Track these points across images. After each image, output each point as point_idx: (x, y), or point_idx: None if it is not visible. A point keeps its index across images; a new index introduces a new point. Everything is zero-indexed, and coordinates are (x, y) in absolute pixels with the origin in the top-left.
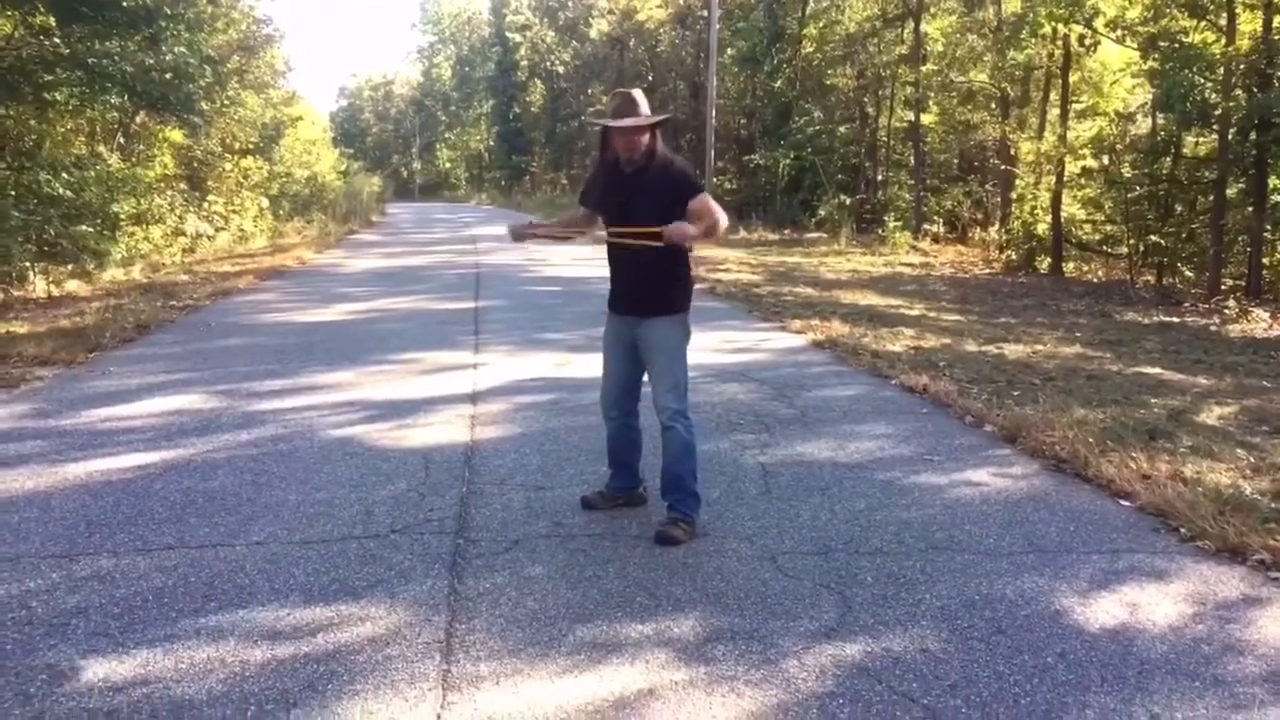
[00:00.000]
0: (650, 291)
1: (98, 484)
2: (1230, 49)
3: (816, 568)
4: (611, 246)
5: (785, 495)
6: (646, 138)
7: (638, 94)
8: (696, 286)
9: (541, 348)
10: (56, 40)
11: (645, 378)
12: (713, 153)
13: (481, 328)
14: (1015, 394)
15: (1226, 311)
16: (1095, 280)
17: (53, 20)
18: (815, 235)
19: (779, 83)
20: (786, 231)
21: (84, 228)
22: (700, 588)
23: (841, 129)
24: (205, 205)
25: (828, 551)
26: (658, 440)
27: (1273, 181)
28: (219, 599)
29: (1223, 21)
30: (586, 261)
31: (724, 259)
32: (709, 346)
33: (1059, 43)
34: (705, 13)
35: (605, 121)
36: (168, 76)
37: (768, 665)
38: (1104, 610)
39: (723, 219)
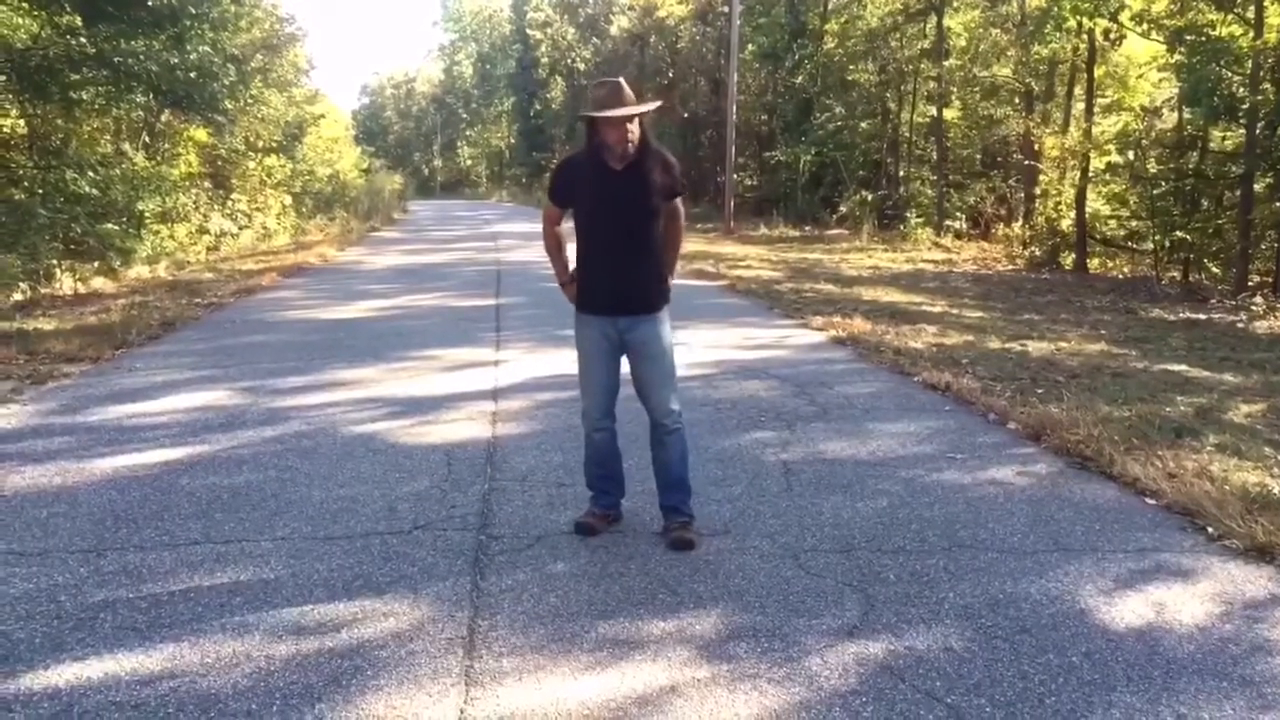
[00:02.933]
0: (645, 288)
1: (124, 480)
2: (1258, 42)
3: (839, 565)
4: (594, 240)
5: (807, 493)
6: (637, 128)
7: (623, 82)
8: (717, 283)
9: (562, 344)
10: (83, 40)
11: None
12: (733, 149)
13: (502, 325)
14: (1039, 391)
15: (1253, 308)
16: (1120, 276)
17: (79, 20)
18: (836, 231)
19: (800, 78)
20: (807, 228)
21: (110, 226)
22: (722, 585)
23: (863, 125)
24: (229, 203)
25: (850, 549)
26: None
27: None
28: (244, 594)
29: (1250, 14)
30: None
31: (744, 255)
32: (729, 343)
33: (1084, 36)
34: (726, 8)
35: (599, 114)
36: (192, 75)
37: (790, 663)
38: (1130, 610)
39: (681, 230)
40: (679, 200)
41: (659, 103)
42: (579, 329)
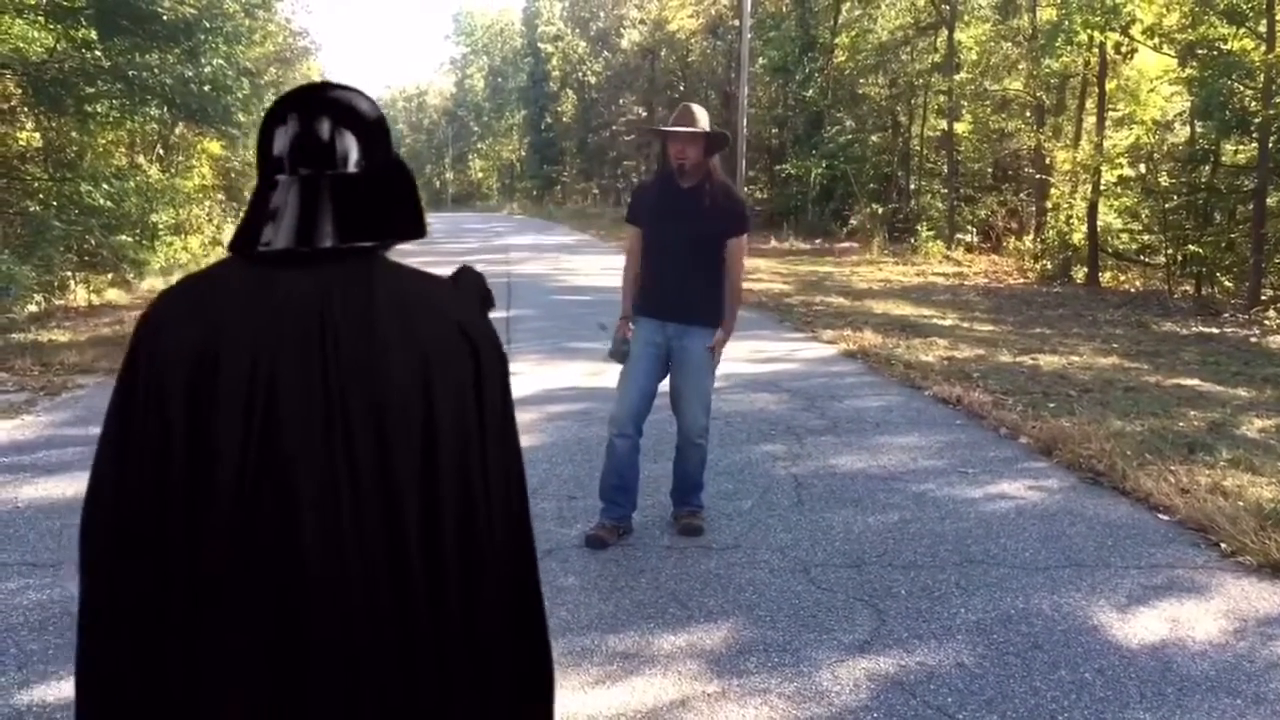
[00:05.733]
0: (698, 300)
1: None
2: (1270, 56)
3: (849, 580)
4: (654, 246)
5: (817, 507)
6: (697, 149)
7: (698, 108)
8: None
9: (573, 357)
10: (98, 53)
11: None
12: (744, 162)
13: (513, 337)
14: (1051, 405)
15: (1267, 322)
16: (1132, 290)
17: (94, 34)
18: (847, 245)
19: (810, 92)
20: (818, 241)
21: (124, 237)
22: (732, 599)
23: (874, 138)
24: (242, 215)
25: (861, 564)
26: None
27: None
28: None
29: (1262, 28)
30: (616, 271)
31: (755, 268)
32: (740, 356)
33: (1095, 50)
34: (737, 22)
35: (664, 129)
36: (206, 89)
37: (801, 678)
38: (1143, 626)
39: (740, 273)
40: (740, 241)
41: (725, 133)
42: (635, 330)
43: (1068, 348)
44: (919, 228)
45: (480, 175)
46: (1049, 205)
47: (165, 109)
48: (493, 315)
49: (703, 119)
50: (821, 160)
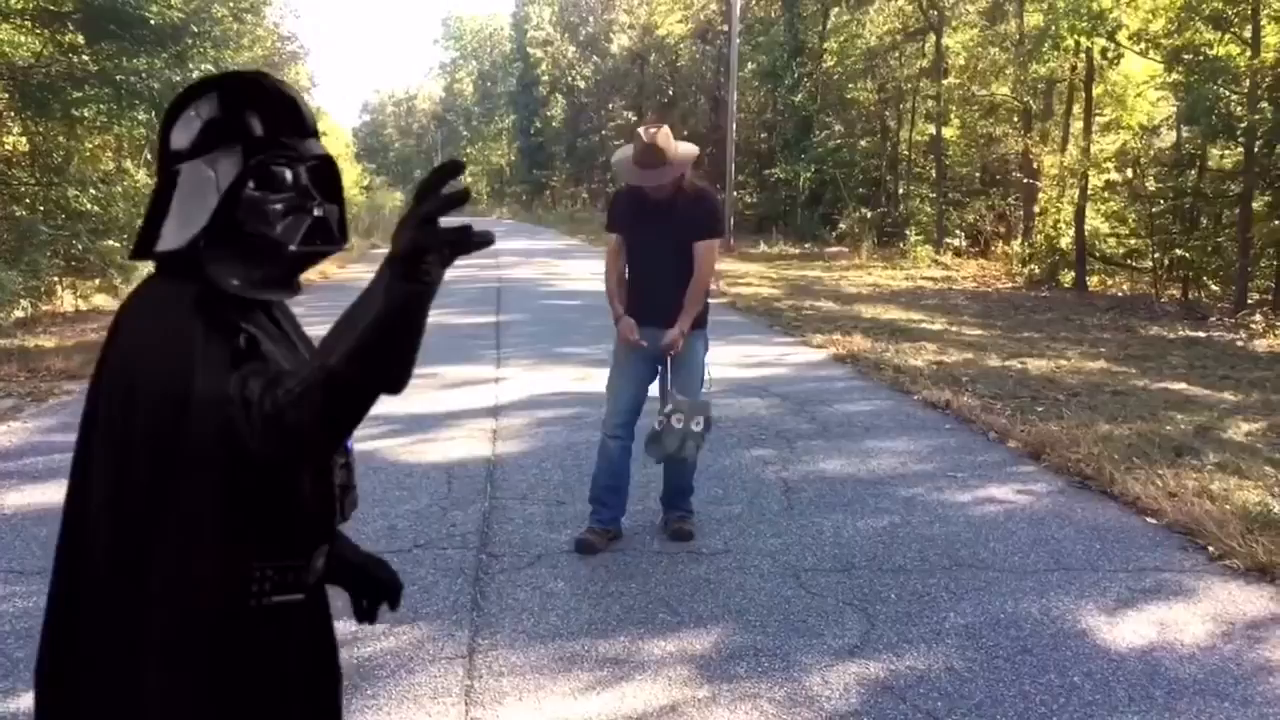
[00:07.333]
0: (682, 304)
1: None
2: (1255, 61)
3: (839, 585)
4: (637, 253)
5: (807, 511)
6: (665, 181)
7: (661, 136)
8: (717, 301)
9: (562, 362)
10: (85, 58)
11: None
12: (733, 166)
13: (503, 342)
14: (1039, 409)
15: (1253, 326)
16: (1119, 294)
17: (81, 38)
18: (836, 249)
19: (799, 97)
20: (807, 245)
21: (111, 243)
22: (722, 604)
23: (862, 143)
24: None
25: (850, 568)
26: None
27: None
28: None
29: (1247, 34)
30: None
31: (744, 273)
32: (729, 361)
33: (1082, 56)
34: (726, 28)
35: (634, 182)
36: None
37: (791, 683)
38: (1131, 629)
39: (707, 276)
40: (708, 244)
41: (694, 153)
42: (619, 337)
43: (1056, 352)
44: (907, 232)
45: (470, 180)
46: (1037, 210)
47: (153, 113)
48: (484, 320)
49: (666, 147)
50: (810, 165)
